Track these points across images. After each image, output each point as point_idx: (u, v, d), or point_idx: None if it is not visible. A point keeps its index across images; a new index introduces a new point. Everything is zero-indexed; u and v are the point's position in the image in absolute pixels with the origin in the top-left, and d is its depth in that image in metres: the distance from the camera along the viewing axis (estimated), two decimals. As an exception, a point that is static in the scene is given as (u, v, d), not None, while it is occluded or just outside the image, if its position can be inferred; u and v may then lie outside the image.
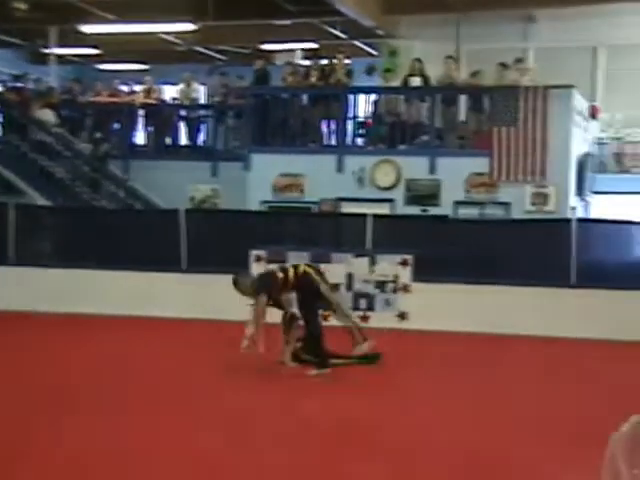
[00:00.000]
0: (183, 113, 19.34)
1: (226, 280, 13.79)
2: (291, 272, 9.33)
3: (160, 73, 21.32)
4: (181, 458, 5.96)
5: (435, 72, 16.87)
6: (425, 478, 5.74)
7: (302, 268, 9.43)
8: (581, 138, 16.71)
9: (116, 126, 19.51)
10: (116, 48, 21.97)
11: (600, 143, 17.89)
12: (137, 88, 20.31)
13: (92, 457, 5.94)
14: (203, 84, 20.05)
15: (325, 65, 17.92)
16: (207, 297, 13.60)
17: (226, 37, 20.68)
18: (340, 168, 16.60)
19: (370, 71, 19.09)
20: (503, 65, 16.48)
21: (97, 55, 23.06)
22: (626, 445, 2.32)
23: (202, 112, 19.36)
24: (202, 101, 19.69)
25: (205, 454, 6.11)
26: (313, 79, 17.47)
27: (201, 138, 19.30)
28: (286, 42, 20.77)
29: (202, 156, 18.37)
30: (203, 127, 19.32)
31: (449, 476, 5.77)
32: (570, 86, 15.78)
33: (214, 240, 14.23)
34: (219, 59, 22.91)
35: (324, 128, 17.46)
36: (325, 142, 17.41)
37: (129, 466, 5.76)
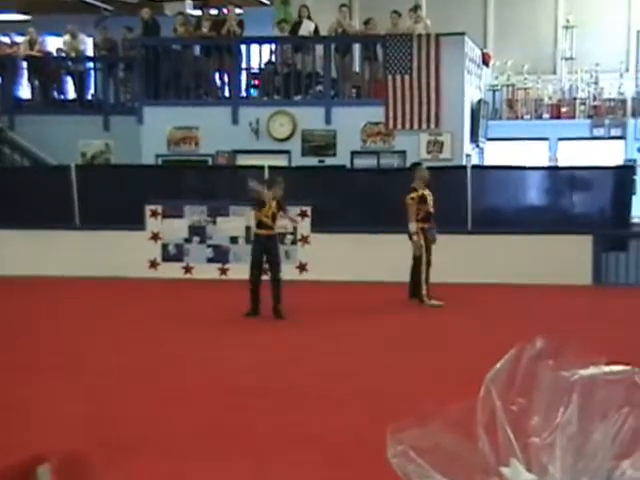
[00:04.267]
0: (70, 66, 18.66)
1: (121, 236, 13.54)
2: None
3: (43, 24, 20.44)
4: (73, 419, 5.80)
5: (328, 21, 16.68)
6: (328, 425, 5.78)
7: None
8: (474, 85, 16.87)
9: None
10: (-5, -3, 20.93)
11: (493, 90, 18.10)
12: (19, 40, 19.48)
13: None
14: (90, 36, 19.35)
15: (217, 15, 17.53)
16: (102, 254, 13.40)
17: (112, -14, 19.97)
18: (235, 120, 16.35)
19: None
20: (397, 13, 16.42)
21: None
22: (501, 382, 2.29)
23: (90, 64, 18.72)
24: (89, 53, 19.02)
25: (116, 409, 5.98)
26: (205, 30, 17.07)
27: (90, 91, 18.69)
28: (175, -9, 20.15)
29: (92, 110, 17.84)
30: (92, 80, 18.70)
31: (354, 419, 5.83)
32: (461, 33, 15.87)
33: (108, 196, 13.93)
34: (105, 9, 22.13)
35: (218, 80, 17.13)
36: (219, 94, 17.09)
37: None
